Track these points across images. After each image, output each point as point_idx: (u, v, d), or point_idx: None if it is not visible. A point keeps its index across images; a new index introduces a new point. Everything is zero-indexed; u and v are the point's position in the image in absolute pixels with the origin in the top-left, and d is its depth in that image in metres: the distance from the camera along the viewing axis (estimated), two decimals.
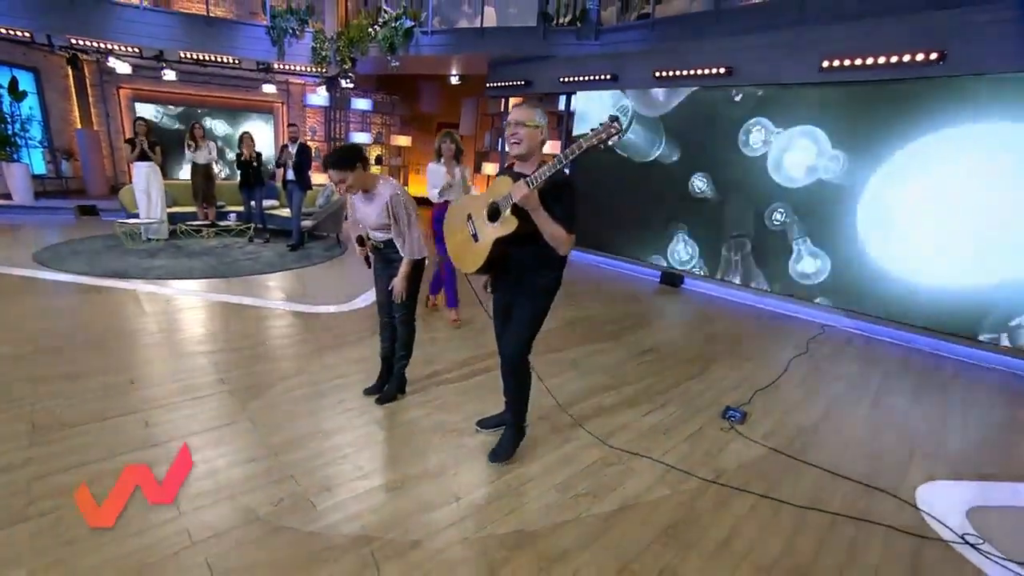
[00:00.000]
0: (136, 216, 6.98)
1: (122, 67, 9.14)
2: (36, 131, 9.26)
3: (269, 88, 10.69)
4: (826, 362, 4.28)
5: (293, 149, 6.89)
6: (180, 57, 9.26)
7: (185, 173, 8.44)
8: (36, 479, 2.15)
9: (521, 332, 2.39)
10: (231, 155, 10.78)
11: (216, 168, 8.04)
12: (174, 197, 7.91)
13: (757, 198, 5.94)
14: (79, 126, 9.92)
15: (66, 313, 4.22)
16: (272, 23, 8.71)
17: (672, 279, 6.68)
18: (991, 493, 2.62)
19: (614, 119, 1.87)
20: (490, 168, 10.43)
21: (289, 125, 7.67)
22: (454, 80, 10.33)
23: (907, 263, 4.94)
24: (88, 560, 1.77)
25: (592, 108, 7.59)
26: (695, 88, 6.34)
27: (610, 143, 2.13)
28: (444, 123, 11.63)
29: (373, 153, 12.37)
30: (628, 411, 3.18)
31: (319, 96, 11.25)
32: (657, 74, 6.51)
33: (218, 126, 11.34)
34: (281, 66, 9.80)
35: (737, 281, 6.27)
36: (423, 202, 4.04)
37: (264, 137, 11.39)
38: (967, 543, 2.19)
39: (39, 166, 9.65)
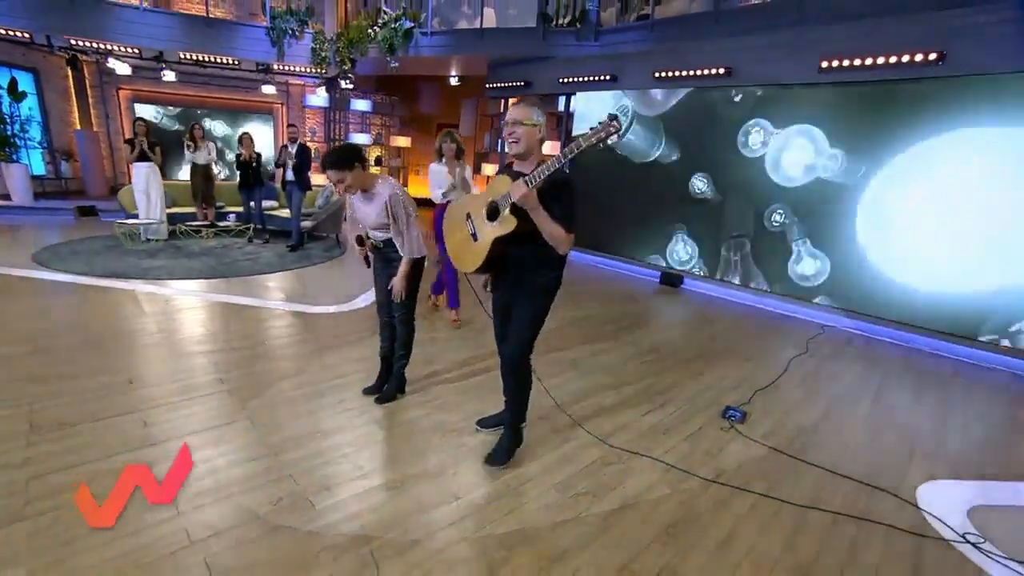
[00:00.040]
0: (135, 217, 6.98)
1: (122, 68, 9.14)
2: (35, 132, 9.27)
3: (269, 89, 10.70)
4: (826, 362, 4.28)
5: (293, 150, 6.89)
6: (180, 58, 9.26)
7: (184, 174, 8.45)
8: (34, 478, 2.15)
9: (522, 332, 2.38)
10: (230, 156, 10.78)
11: (215, 169, 8.04)
12: (173, 198, 7.90)
13: (756, 199, 5.94)
14: (78, 127, 9.93)
15: (65, 313, 4.21)
16: (272, 24, 8.72)
17: (672, 279, 6.67)
18: (992, 492, 2.61)
19: (613, 117, 1.87)
20: (489, 169, 10.43)
21: (289, 126, 7.67)
22: (453, 81, 10.33)
23: (907, 264, 4.94)
24: (86, 559, 1.76)
25: (592, 109, 7.59)
26: (693, 87, 6.35)
27: (609, 142, 2.12)
28: (443, 124, 11.62)
29: (373, 154, 12.37)
30: (628, 411, 3.17)
31: (319, 97, 11.26)
32: (657, 75, 6.51)
33: (217, 127, 11.35)
34: (281, 67, 9.80)
35: (736, 281, 6.27)
36: (424, 203, 4.03)
37: (264, 138, 11.40)
38: (968, 542, 2.18)
39: (38, 167, 9.65)
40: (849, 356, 4.49)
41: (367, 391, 3.11)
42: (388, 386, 3.08)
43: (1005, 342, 4.44)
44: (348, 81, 9.69)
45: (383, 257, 2.90)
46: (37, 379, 3.00)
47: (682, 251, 6.78)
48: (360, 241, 2.92)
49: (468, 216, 2.35)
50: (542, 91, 8.15)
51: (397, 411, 2.97)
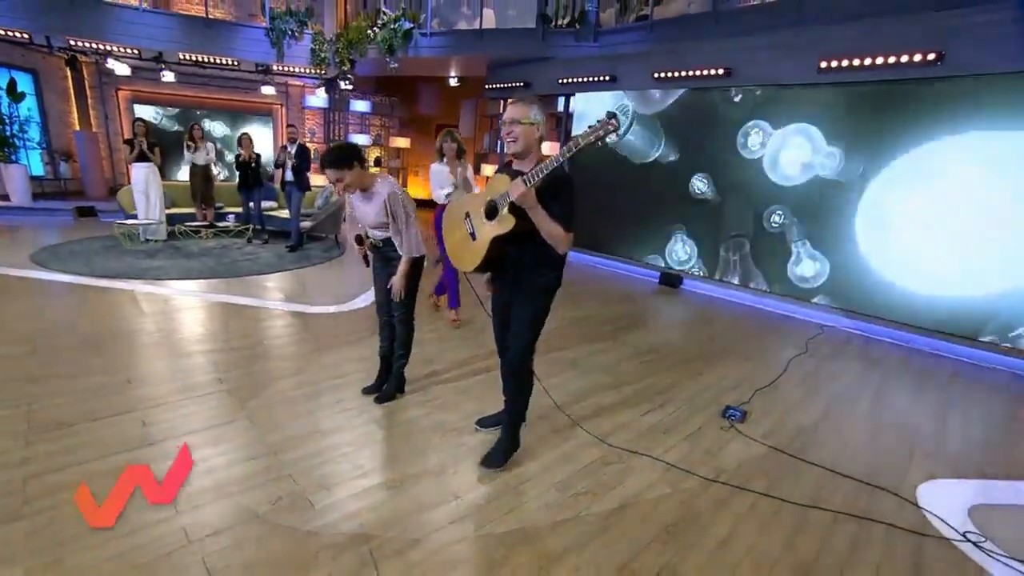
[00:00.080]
0: (134, 217, 6.98)
1: (121, 68, 9.14)
2: (34, 132, 9.27)
3: (268, 90, 10.69)
4: (826, 362, 4.27)
5: (292, 150, 6.89)
6: (179, 59, 9.26)
7: (184, 174, 8.45)
8: (32, 478, 2.14)
9: (523, 333, 2.36)
10: (230, 156, 10.77)
11: (215, 169, 8.05)
12: (173, 198, 7.90)
13: (756, 199, 5.94)
14: (78, 127, 9.92)
15: (63, 313, 4.20)
16: (271, 25, 8.72)
17: (671, 280, 6.67)
18: (992, 491, 2.61)
19: (611, 115, 1.86)
20: (489, 169, 10.43)
21: (288, 126, 7.67)
22: (453, 82, 10.33)
23: (907, 267, 4.93)
24: (83, 559, 1.76)
25: (591, 109, 7.60)
26: (692, 88, 6.35)
27: (608, 140, 2.11)
28: (443, 125, 11.62)
29: (372, 155, 12.37)
30: (627, 410, 3.17)
31: (318, 98, 11.26)
32: (656, 75, 6.51)
33: (217, 127, 11.35)
34: (280, 68, 9.80)
35: (736, 281, 6.27)
36: (424, 204, 4.03)
37: (263, 138, 11.40)
38: (969, 541, 2.18)
39: (37, 167, 9.64)
40: (849, 356, 4.49)
41: (366, 391, 3.11)
42: (387, 385, 3.07)
43: (1006, 345, 4.44)
44: (347, 82, 9.70)
45: (382, 256, 2.89)
46: (35, 379, 2.99)
47: (681, 251, 6.78)
48: (359, 240, 2.92)
49: (467, 215, 2.34)
50: (541, 92, 8.15)
51: (396, 410, 2.96)
